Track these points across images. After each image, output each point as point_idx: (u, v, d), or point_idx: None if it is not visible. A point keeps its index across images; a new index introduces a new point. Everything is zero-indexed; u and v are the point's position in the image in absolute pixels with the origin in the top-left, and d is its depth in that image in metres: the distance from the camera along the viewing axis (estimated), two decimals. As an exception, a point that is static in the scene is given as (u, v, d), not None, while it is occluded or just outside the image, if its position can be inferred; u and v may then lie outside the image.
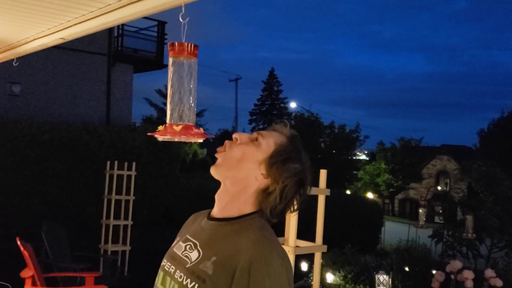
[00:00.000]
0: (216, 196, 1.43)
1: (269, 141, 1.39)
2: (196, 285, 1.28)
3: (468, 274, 5.14)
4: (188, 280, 1.30)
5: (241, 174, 1.37)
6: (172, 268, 1.38)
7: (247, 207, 1.38)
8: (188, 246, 1.39)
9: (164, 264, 1.44)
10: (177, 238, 1.50)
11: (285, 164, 1.36)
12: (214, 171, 1.40)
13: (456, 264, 5.29)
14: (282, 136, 1.41)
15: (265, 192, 1.37)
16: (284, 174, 1.35)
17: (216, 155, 1.41)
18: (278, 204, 1.36)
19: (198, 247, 1.36)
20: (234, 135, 1.42)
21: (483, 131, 32.45)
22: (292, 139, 1.41)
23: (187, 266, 1.34)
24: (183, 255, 1.38)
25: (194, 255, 1.35)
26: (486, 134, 32.16)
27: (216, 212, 1.42)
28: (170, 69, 1.51)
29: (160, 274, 1.43)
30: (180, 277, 1.33)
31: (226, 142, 1.42)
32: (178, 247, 1.43)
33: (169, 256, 1.44)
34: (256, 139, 1.41)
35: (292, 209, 1.40)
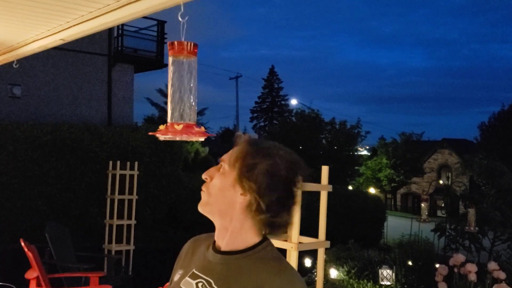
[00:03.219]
0: (215, 238, 1.35)
1: (230, 160, 1.30)
2: None
3: (471, 267, 5.14)
4: None
5: (224, 204, 1.29)
6: None
7: (250, 236, 1.30)
8: (200, 284, 1.28)
9: None
10: (179, 271, 1.39)
11: (251, 169, 1.24)
12: (200, 209, 1.34)
13: (459, 258, 5.29)
14: (239, 146, 1.31)
15: (251, 210, 1.26)
16: (255, 178, 1.23)
17: (201, 193, 1.35)
18: (275, 209, 1.25)
19: (213, 285, 1.26)
20: (203, 176, 1.34)
21: (484, 124, 32.48)
22: (248, 142, 1.30)
23: None
24: None
25: None
26: (486, 127, 32.20)
27: (221, 246, 1.33)
28: (170, 68, 1.51)
29: None
30: None
31: (203, 186, 1.35)
32: (186, 283, 1.31)
33: None
34: (221, 166, 1.33)
35: (293, 201, 1.29)
